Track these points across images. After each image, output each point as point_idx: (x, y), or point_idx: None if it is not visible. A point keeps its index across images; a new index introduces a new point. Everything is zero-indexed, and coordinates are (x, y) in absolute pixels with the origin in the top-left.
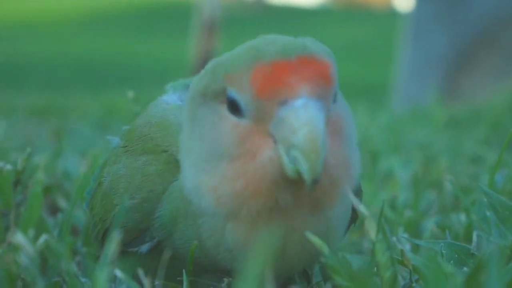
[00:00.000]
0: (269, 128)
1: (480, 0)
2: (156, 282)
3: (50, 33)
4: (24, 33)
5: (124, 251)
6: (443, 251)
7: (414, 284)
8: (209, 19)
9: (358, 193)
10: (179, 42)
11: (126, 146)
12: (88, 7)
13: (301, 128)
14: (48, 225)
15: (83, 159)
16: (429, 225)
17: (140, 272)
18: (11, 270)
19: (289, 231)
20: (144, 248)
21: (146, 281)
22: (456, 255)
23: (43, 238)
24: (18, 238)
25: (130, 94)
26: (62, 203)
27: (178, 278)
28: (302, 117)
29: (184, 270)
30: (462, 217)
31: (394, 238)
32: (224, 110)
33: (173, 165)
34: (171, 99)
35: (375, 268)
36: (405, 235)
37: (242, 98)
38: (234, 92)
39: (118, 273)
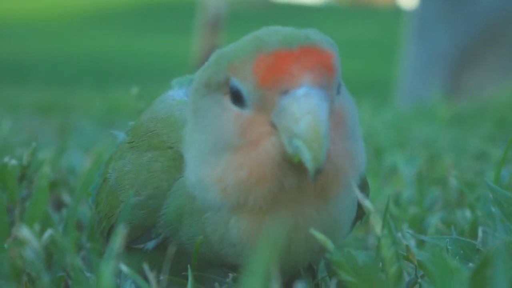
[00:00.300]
0: (271, 118)
1: None
2: (162, 277)
3: (54, 30)
4: (28, 31)
5: (130, 247)
6: (449, 247)
7: (419, 280)
8: (214, 16)
9: (364, 186)
10: (182, 39)
11: (132, 141)
12: (92, 5)
13: (303, 117)
14: (53, 220)
15: (87, 155)
16: (434, 221)
17: (146, 267)
18: (16, 264)
19: (295, 226)
20: (150, 245)
21: (151, 276)
22: (462, 251)
23: (48, 233)
24: (24, 232)
25: (134, 90)
26: (66, 198)
27: (183, 273)
28: (304, 106)
29: (189, 265)
30: (467, 213)
31: (399, 234)
32: (227, 101)
33: (179, 162)
34: (177, 95)
35: (381, 264)
36: (410, 231)
37: (245, 88)
38: (237, 82)
39: (124, 267)
